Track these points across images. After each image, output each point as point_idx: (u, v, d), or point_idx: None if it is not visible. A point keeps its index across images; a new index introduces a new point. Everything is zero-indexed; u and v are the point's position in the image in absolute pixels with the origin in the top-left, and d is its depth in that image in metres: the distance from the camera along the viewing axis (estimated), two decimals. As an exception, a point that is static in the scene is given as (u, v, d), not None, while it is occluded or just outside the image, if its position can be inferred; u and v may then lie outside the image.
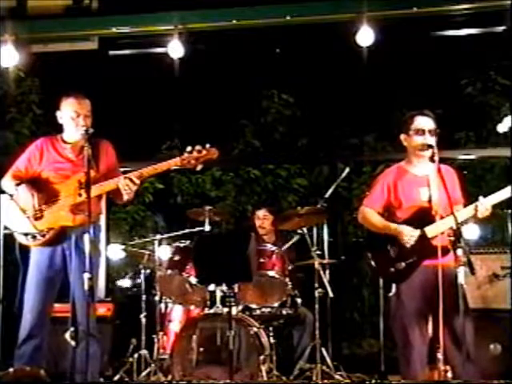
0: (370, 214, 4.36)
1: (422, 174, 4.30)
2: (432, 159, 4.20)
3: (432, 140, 4.22)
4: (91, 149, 4.09)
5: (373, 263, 4.33)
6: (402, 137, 4.36)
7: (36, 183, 4.36)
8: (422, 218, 4.20)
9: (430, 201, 4.22)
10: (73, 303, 4.09)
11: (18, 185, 4.35)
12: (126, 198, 4.33)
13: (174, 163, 4.30)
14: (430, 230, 4.17)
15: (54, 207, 4.30)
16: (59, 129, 4.50)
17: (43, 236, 4.30)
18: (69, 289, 4.12)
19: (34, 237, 4.31)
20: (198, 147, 4.27)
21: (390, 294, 4.29)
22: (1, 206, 4.37)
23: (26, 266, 4.36)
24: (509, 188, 4.17)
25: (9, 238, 4.52)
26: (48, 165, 4.41)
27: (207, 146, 4.29)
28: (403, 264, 4.21)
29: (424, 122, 4.28)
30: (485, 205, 4.15)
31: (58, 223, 4.28)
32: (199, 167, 4.32)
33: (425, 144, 4.22)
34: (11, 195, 4.38)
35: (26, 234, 4.32)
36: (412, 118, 4.32)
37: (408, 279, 4.20)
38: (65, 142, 4.46)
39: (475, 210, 4.14)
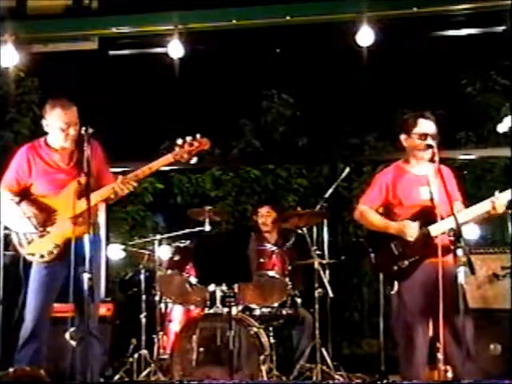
0: (368, 211, 4.34)
1: (421, 174, 4.28)
2: (431, 160, 4.20)
3: (433, 142, 4.22)
4: (80, 151, 4.03)
5: (375, 261, 4.32)
6: (403, 137, 4.34)
7: (34, 201, 4.22)
8: (424, 216, 4.18)
9: (431, 200, 4.20)
10: (78, 303, 4.02)
11: (19, 202, 4.22)
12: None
13: (166, 160, 4.21)
14: (433, 229, 4.15)
15: (56, 223, 4.20)
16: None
17: (51, 253, 4.19)
18: (69, 289, 4.08)
19: (41, 255, 4.20)
20: (188, 139, 4.19)
21: (392, 292, 4.28)
22: (1, 207, 4.33)
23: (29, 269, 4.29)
24: None
25: (12, 258, 4.44)
26: (39, 176, 4.26)
27: (197, 136, 4.20)
28: (406, 262, 4.19)
29: (427, 127, 4.25)
30: (501, 200, 4.11)
31: (64, 237, 4.15)
32: (193, 160, 4.23)
33: (425, 145, 4.21)
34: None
35: (32, 254, 4.21)
36: (415, 121, 4.29)
37: (410, 277, 4.18)
38: (50, 147, 4.30)
39: (492, 204, 4.09)
